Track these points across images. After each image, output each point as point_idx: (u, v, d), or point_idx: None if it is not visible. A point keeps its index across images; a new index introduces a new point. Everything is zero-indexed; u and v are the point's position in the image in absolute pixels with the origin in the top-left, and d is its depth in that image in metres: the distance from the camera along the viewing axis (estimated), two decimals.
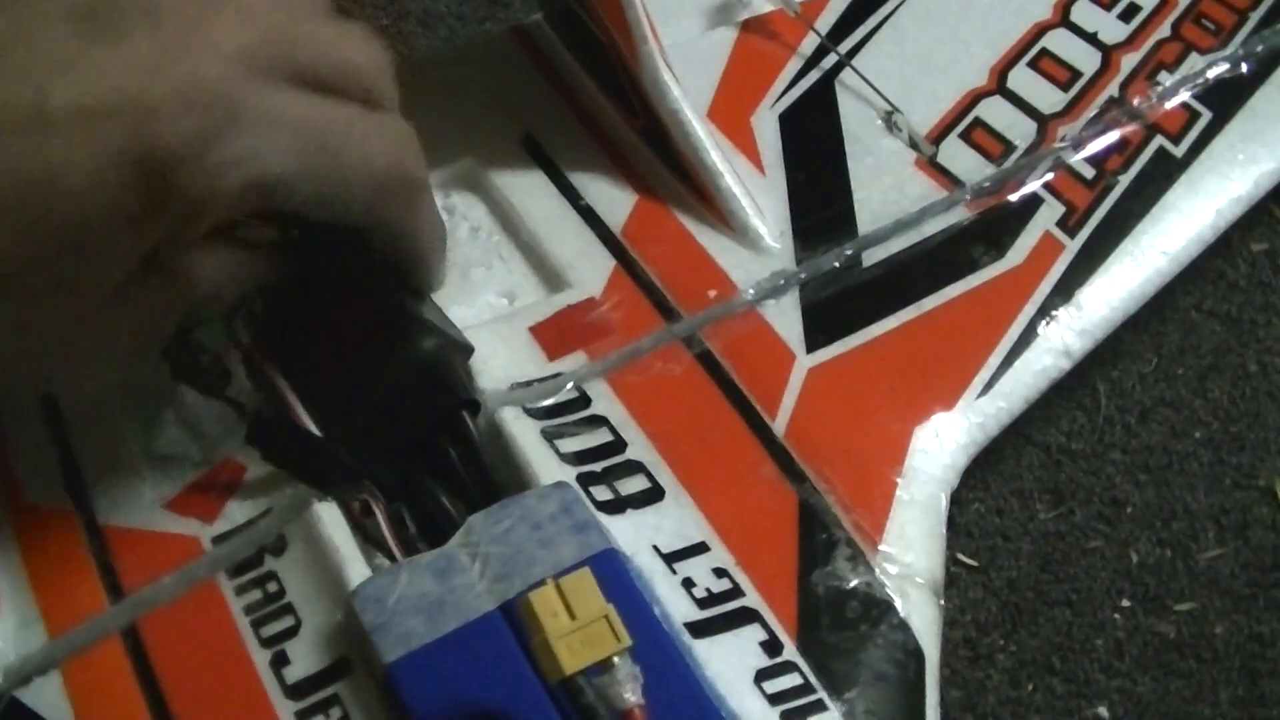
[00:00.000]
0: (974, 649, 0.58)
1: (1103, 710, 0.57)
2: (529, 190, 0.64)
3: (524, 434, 0.53)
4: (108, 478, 0.56)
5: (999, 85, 0.67)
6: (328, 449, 0.52)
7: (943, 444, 0.56)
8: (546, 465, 0.52)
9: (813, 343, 0.57)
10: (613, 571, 0.47)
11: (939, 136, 0.65)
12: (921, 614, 0.51)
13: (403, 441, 0.52)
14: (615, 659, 0.43)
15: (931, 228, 0.61)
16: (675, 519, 0.52)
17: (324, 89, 0.46)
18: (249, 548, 0.53)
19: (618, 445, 0.54)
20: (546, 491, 0.50)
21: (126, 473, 0.56)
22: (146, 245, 0.43)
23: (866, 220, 0.62)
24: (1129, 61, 0.68)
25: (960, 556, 0.60)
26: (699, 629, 0.49)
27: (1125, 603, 0.60)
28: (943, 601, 0.52)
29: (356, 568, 0.50)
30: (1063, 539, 0.61)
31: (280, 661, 0.50)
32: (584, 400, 0.55)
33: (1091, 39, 0.69)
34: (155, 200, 0.41)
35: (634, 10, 0.60)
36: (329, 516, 0.52)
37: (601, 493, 0.52)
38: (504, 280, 0.61)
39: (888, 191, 0.63)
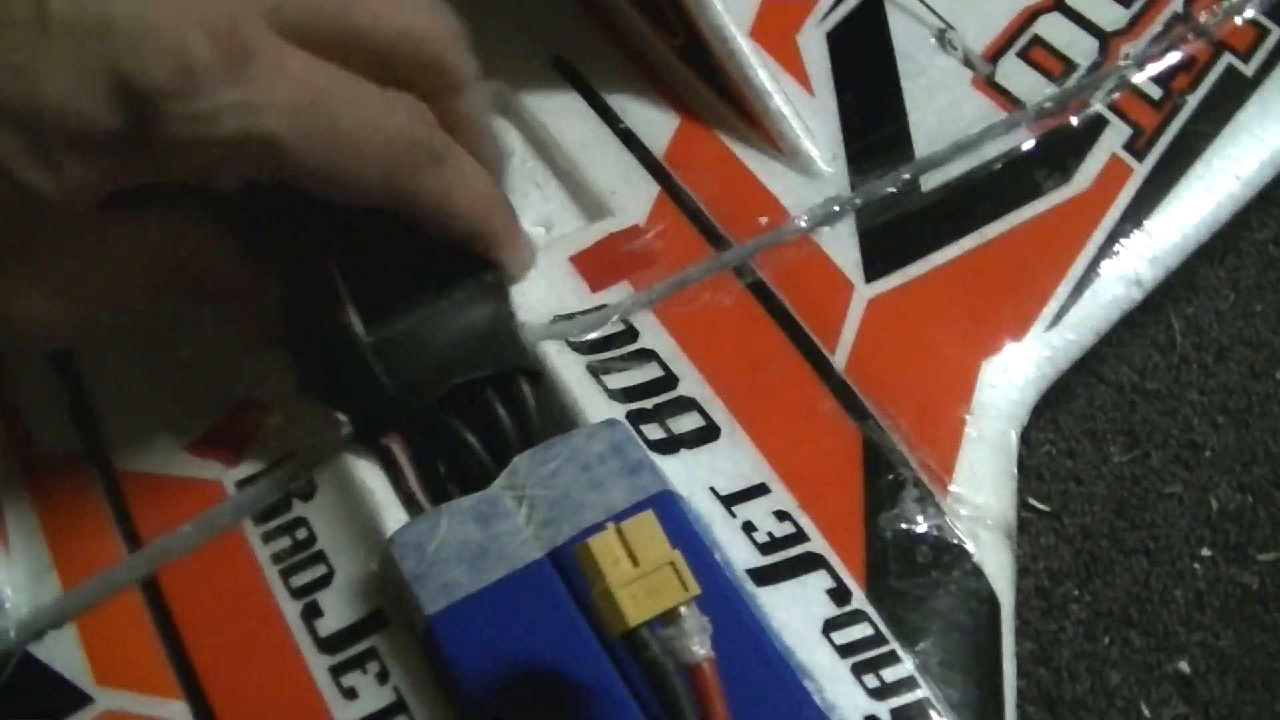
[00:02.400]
0: (1047, 599, 0.55)
1: (1184, 665, 0.54)
2: (563, 113, 0.60)
3: (568, 369, 0.50)
4: (122, 420, 0.53)
5: (1057, 1, 0.63)
6: (358, 377, 0.48)
7: (1011, 378, 0.52)
8: (594, 402, 0.49)
9: (871, 271, 0.54)
10: (670, 515, 0.44)
11: (995, 54, 0.61)
12: (995, 559, 0.48)
13: (443, 388, 0.48)
14: (682, 609, 0.40)
15: (991, 150, 0.58)
16: (732, 459, 0.49)
17: (374, 58, 0.43)
18: (276, 492, 0.50)
19: (668, 380, 0.51)
20: (596, 430, 0.47)
21: (142, 415, 0.53)
22: (127, 178, 0.40)
23: (923, 142, 0.58)
24: None
25: (1031, 501, 0.56)
26: (762, 576, 0.46)
27: (1205, 551, 0.57)
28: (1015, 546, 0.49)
29: (393, 513, 0.47)
30: (1138, 483, 0.58)
31: (312, 613, 0.47)
32: (631, 333, 0.52)
33: None
34: (137, 132, 0.39)
35: None
36: (362, 459, 0.48)
37: (653, 431, 0.49)
38: (540, 208, 0.58)
39: (944, 112, 0.59)
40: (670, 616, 0.39)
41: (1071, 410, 0.60)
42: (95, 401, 0.54)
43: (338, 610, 0.47)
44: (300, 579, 0.48)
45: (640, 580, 0.39)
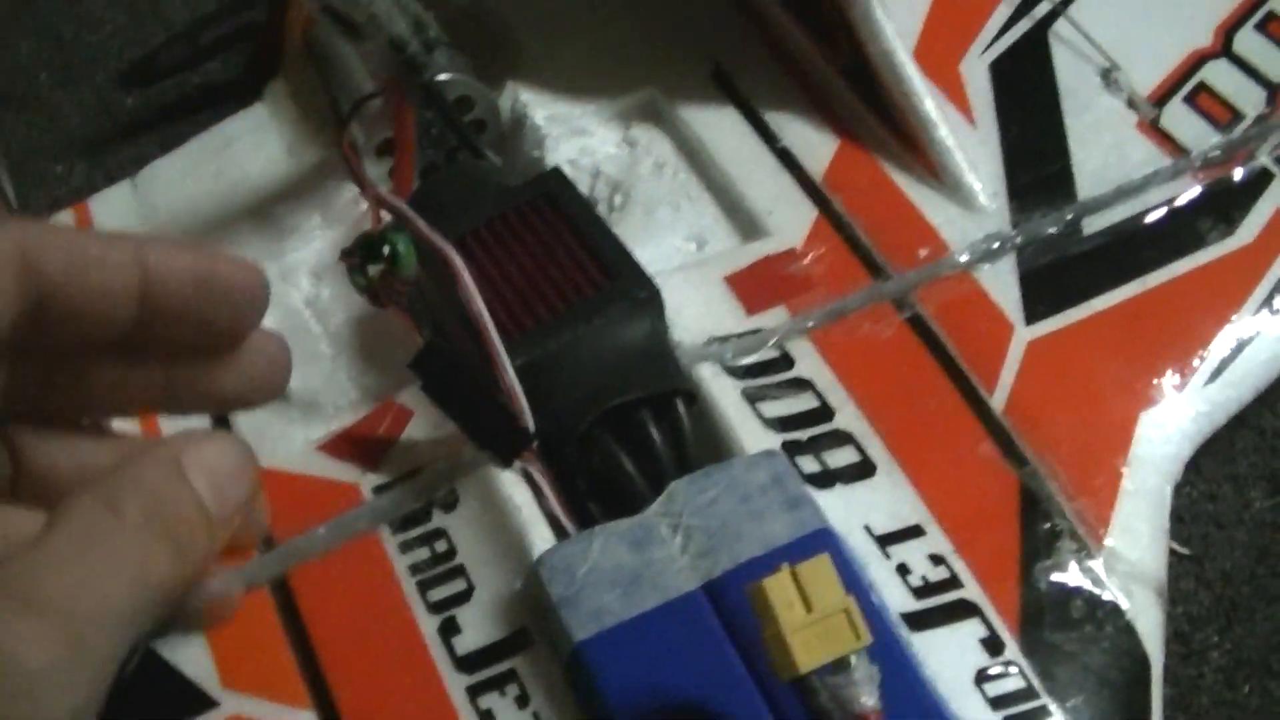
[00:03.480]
0: (1186, 644, 0.54)
1: None
2: (719, 126, 0.59)
3: (724, 394, 0.49)
4: (257, 413, 0.52)
5: (1224, 47, 0.61)
6: (496, 402, 0.47)
7: (1167, 432, 0.51)
8: (750, 430, 0.48)
9: (1032, 313, 0.52)
10: (833, 555, 0.42)
11: (1161, 98, 0.59)
12: (1147, 617, 0.47)
13: (598, 409, 0.47)
14: (853, 658, 0.38)
15: (1155, 197, 0.56)
16: (889, 497, 0.47)
17: None
18: (416, 500, 0.49)
19: (825, 412, 0.49)
20: (756, 460, 0.46)
21: (278, 410, 0.52)
22: None
23: (1086, 183, 0.56)
24: None
25: (1172, 544, 0.55)
26: (916, 621, 0.45)
27: None
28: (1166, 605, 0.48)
29: (540, 531, 0.46)
30: None
31: (450, 629, 0.46)
32: (787, 360, 0.51)
33: None
34: None
35: None
36: (509, 472, 0.47)
37: (808, 464, 0.48)
38: (693, 223, 0.57)
39: (1108, 153, 0.57)
40: (840, 664, 0.38)
41: (1214, 453, 0.58)
42: None
43: (477, 628, 0.45)
44: (439, 593, 0.46)
45: (813, 626, 0.38)
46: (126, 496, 0.38)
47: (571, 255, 0.50)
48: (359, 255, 0.49)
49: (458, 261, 0.48)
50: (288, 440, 0.51)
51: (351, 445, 0.51)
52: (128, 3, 0.80)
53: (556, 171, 0.53)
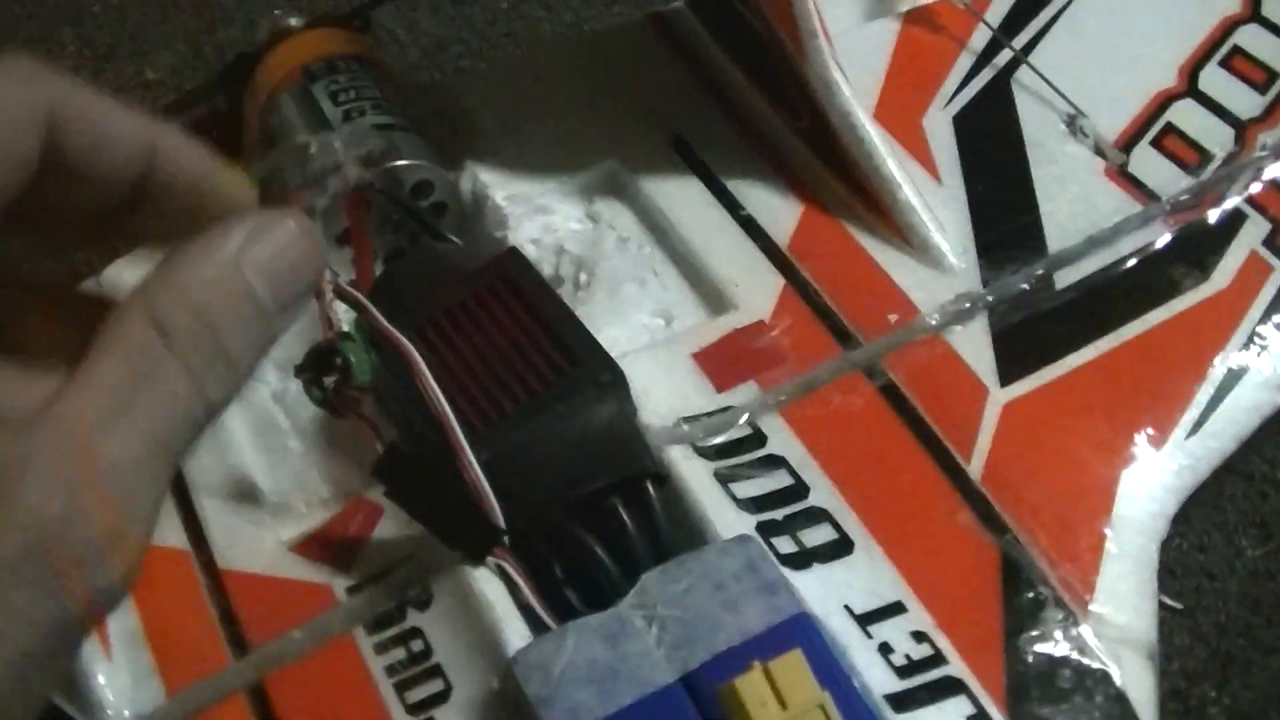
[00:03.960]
0: (1184, 701, 0.53)
1: None
2: (681, 197, 0.58)
3: (696, 476, 0.48)
4: (227, 517, 0.51)
5: (1189, 86, 0.61)
6: (464, 500, 0.46)
7: (1150, 489, 0.50)
8: (723, 513, 0.47)
9: (1006, 374, 0.52)
10: (810, 642, 0.42)
11: (1128, 143, 0.59)
12: (1138, 682, 0.46)
13: (568, 499, 0.46)
14: None
15: (1127, 245, 0.56)
16: (867, 575, 0.47)
17: None
18: (389, 600, 0.48)
19: (799, 490, 0.49)
20: (729, 547, 0.45)
21: (248, 512, 0.51)
22: None
23: (1055, 235, 0.56)
24: None
25: (1163, 598, 0.54)
26: (900, 701, 0.44)
27: None
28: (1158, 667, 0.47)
29: (515, 627, 0.45)
30: (1273, 579, 0.56)
31: None
32: (759, 437, 0.50)
33: None
34: None
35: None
36: (481, 569, 0.46)
37: (784, 544, 0.47)
38: (659, 298, 0.56)
39: (1076, 203, 0.57)
40: None
41: (1201, 502, 0.57)
42: (200, 495, 0.52)
43: None
44: (416, 694, 0.46)
45: None
46: (177, 314, 0.33)
47: (532, 340, 0.49)
48: (311, 369, 0.48)
49: (416, 357, 0.47)
50: (259, 542, 0.51)
51: (323, 546, 0.50)
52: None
53: (514, 253, 0.52)
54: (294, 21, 0.66)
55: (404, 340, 0.47)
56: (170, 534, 0.51)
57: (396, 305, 0.49)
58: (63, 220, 0.36)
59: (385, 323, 0.47)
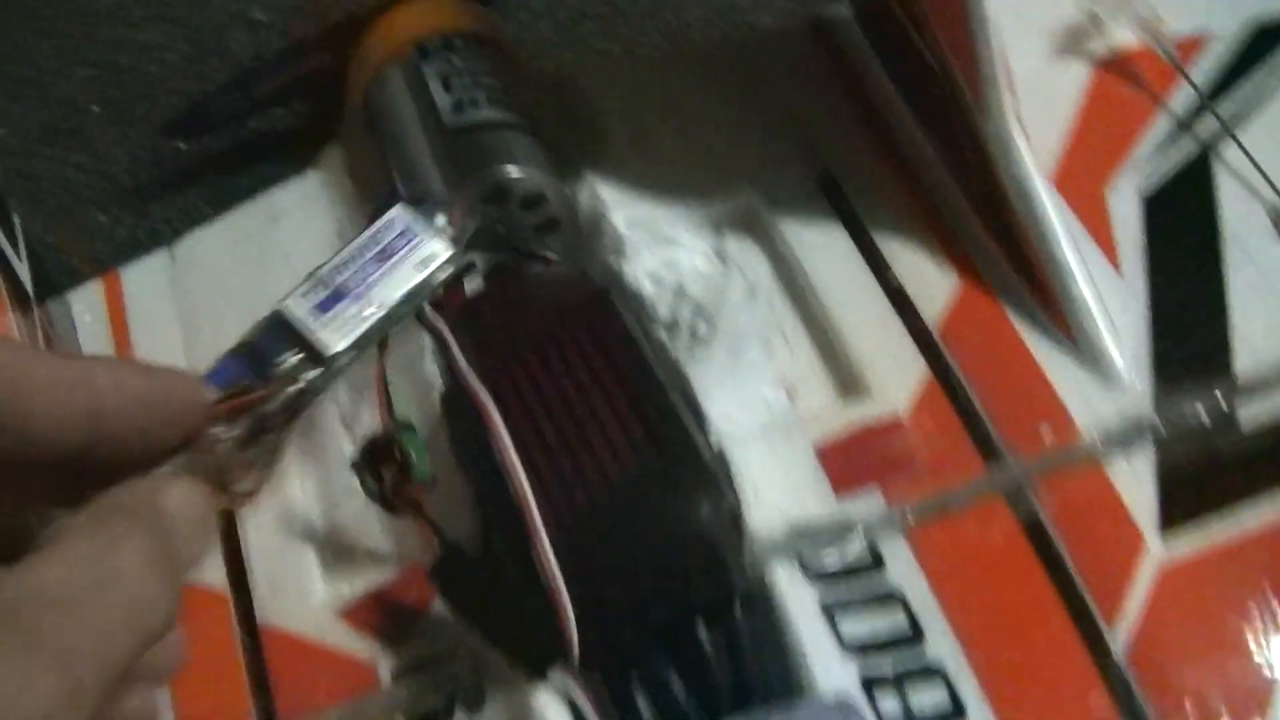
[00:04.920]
0: None
1: None
2: (824, 248, 0.51)
3: (800, 605, 0.43)
4: (275, 561, 0.46)
5: None
6: (532, 608, 0.40)
7: None
8: (825, 658, 0.42)
9: (1168, 520, 0.45)
10: None
11: None
12: None
13: (645, 620, 0.41)
14: None
15: None
16: None
17: None
18: (437, 694, 0.43)
19: (914, 636, 0.43)
20: (824, 713, 0.39)
21: (297, 555, 0.46)
22: None
23: (1245, 357, 0.48)
24: None
25: None
26: None
27: None
28: None
29: None
30: None
31: None
32: (876, 562, 0.44)
33: None
34: None
35: (984, 37, 0.47)
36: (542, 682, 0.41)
37: (888, 702, 0.42)
38: (786, 366, 0.49)
39: (1274, 321, 0.49)
40: None
41: None
42: (248, 529, 0.47)
43: None
44: None
45: None
46: (124, 530, 0.32)
47: (615, 412, 0.43)
48: (367, 462, 0.43)
49: (501, 430, 0.42)
50: (306, 597, 0.46)
51: (373, 614, 0.45)
52: (190, 34, 0.73)
53: (603, 296, 0.46)
54: None
55: (490, 405, 0.41)
56: (210, 570, 0.46)
57: (477, 338, 0.44)
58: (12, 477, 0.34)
59: (470, 376, 0.42)
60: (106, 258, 0.60)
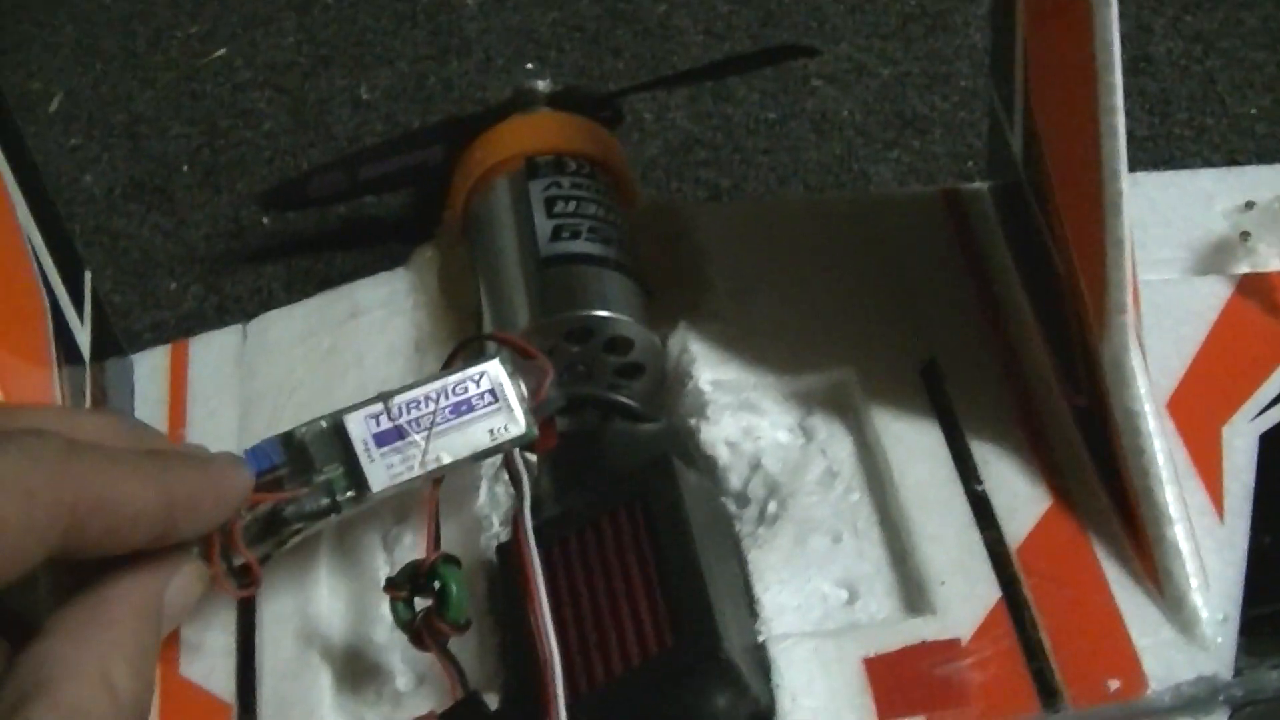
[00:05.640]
0: None
1: None
2: (914, 442, 0.49)
3: None
4: (287, 680, 0.45)
5: None
6: None
7: None
8: None
9: None
10: None
11: None
12: None
13: None
14: None
15: None
16: None
17: None
18: None
19: None
20: None
21: (310, 679, 0.45)
22: None
23: None
24: None
25: None
26: None
27: None
28: None
29: None
30: None
31: None
32: None
33: None
34: None
35: (1118, 259, 0.44)
36: None
37: None
38: (851, 565, 0.47)
39: None
40: None
41: None
42: (265, 637, 0.45)
43: None
44: None
45: None
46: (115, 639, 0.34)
47: (648, 590, 0.42)
48: (405, 587, 0.41)
49: (541, 595, 0.40)
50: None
51: None
52: (294, 104, 0.72)
53: (663, 466, 0.44)
54: (541, 85, 0.58)
55: (536, 569, 0.40)
56: (218, 677, 0.45)
57: (550, 488, 0.45)
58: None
59: (529, 539, 0.40)
60: (167, 327, 0.59)
